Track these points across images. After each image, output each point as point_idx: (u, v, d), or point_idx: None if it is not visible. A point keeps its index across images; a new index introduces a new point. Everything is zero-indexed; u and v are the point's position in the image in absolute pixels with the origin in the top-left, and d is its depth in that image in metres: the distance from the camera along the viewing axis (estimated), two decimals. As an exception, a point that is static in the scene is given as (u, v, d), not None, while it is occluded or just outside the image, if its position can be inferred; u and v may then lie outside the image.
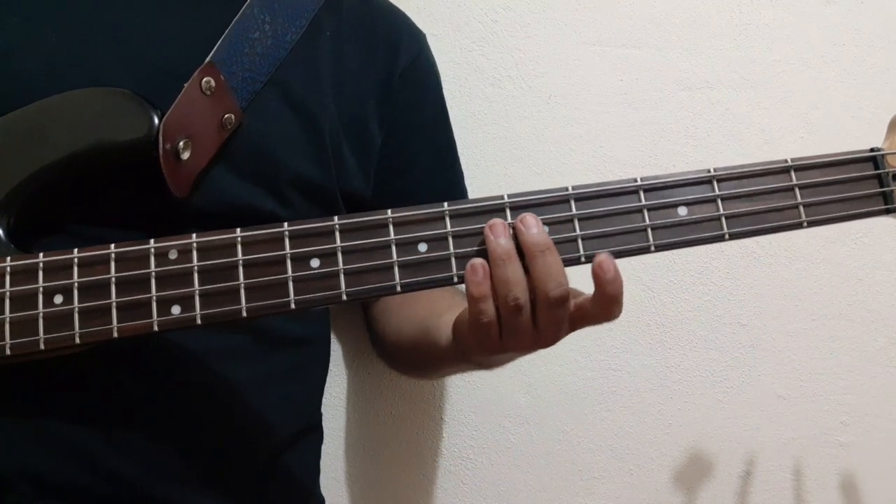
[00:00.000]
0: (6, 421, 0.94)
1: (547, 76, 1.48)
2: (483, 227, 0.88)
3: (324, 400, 1.29)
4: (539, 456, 1.49)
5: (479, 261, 0.85)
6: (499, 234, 0.86)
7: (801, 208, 0.92)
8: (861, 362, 1.52)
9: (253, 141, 1.03)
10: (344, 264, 0.88)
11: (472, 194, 1.32)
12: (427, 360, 1.14)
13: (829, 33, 1.52)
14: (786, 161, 0.93)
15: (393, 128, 1.19)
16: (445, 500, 1.48)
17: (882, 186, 0.94)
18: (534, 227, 0.86)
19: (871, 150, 0.95)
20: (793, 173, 0.93)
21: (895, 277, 1.52)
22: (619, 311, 0.88)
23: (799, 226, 0.92)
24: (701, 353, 1.50)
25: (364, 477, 1.46)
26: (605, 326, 1.43)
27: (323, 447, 1.27)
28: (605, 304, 0.86)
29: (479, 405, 1.47)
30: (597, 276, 0.85)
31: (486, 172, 1.44)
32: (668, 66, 1.50)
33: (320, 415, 1.26)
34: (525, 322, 0.86)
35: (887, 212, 0.94)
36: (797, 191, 0.92)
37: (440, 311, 1.06)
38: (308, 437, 1.20)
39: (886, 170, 0.94)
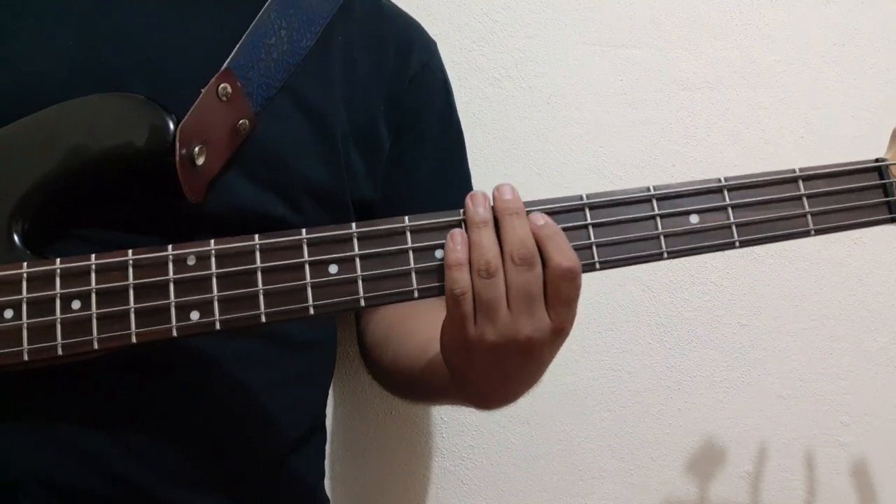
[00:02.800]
0: (20, 425, 0.94)
1: (547, 76, 1.49)
2: None
3: (324, 400, 1.29)
4: (539, 456, 1.49)
5: (457, 230, 0.88)
6: (478, 204, 0.89)
7: (809, 217, 0.94)
8: (861, 362, 1.53)
9: (266, 147, 1.03)
10: (362, 270, 0.88)
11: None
12: (424, 386, 1.12)
13: (829, 33, 1.53)
14: (794, 171, 0.94)
15: (401, 132, 1.19)
16: (445, 500, 1.48)
17: (886, 196, 0.96)
18: (508, 193, 0.89)
19: (876, 160, 0.97)
20: (800, 183, 0.94)
21: (895, 277, 1.53)
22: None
23: (807, 234, 0.94)
24: (701, 353, 1.51)
25: (364, 477, 1.46)
26: (605, 326, 1.47)
27: (323, 447, 1.27)
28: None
29: (479, 405, 1.47)
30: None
31: (486, 172, 1.43)
32: (668, 66, 1.50)
33: (325, 415, 1.27)
34: (497, 296, 0.86)
35: (892, 220, 0.96)
36: (805, 200, 0.94)
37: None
38: (314, 438, 1.20)
39: (891, 179, 0.96)
